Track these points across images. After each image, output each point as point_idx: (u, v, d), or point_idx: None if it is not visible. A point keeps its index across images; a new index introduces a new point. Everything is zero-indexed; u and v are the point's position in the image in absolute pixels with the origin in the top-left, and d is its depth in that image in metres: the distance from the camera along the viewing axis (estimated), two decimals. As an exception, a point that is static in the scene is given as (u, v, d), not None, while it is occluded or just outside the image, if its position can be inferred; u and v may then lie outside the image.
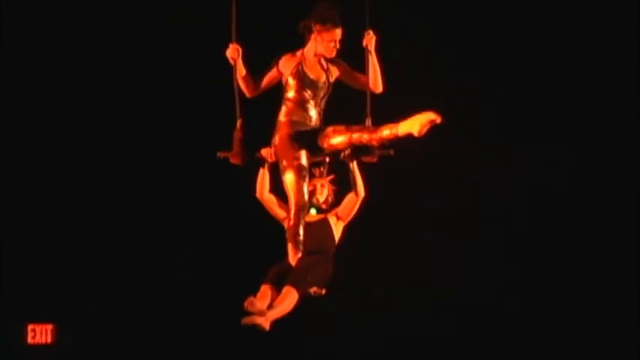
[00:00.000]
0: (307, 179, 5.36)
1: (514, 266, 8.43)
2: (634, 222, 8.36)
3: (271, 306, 5.28)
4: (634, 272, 8.32)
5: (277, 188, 5.66)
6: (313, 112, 5.41)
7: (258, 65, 5.63)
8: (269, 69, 5.48)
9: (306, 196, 5.35)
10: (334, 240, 5.73)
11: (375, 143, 5.20)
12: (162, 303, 8.41)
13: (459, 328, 8.36)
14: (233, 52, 5.38)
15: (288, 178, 5.32)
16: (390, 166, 6.02)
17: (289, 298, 5.34)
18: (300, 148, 5.36)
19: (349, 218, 5.77)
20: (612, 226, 8.44)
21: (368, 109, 5.41)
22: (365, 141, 5.21)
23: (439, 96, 7.52)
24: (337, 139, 5.29)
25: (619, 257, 8.41)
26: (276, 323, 5.47)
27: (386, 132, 5.16)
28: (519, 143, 8.40)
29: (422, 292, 8.33)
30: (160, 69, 8.34)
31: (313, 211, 5.70)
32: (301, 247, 5.32)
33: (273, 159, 5.43)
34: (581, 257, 8.42)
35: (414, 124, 5.04)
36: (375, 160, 5.42)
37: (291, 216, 5.30)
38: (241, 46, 5.44)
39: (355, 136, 5.20)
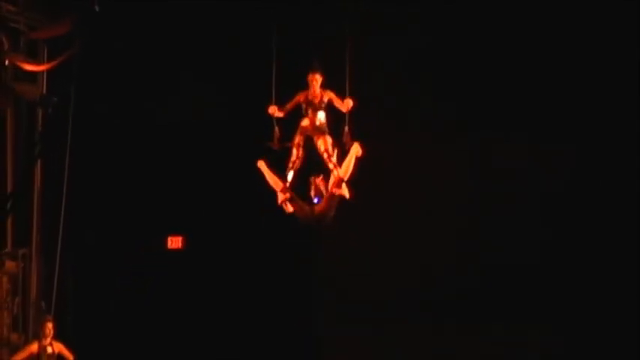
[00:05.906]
0: (301, 149, 8.04)
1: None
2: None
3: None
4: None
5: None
6: (316, 120, 8.19)
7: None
8: (292, 98, 8.22)
9: (296, 155, 8.02)
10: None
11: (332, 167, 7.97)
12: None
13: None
14: (273, 111, 8.18)
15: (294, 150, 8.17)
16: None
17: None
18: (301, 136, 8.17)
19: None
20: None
21: (347, 119, 8.06)
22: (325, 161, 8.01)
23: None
24: (320, 147, 8.13)
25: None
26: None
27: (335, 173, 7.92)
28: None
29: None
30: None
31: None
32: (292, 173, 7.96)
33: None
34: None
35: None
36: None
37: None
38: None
39: (325, 155, 8.01)
